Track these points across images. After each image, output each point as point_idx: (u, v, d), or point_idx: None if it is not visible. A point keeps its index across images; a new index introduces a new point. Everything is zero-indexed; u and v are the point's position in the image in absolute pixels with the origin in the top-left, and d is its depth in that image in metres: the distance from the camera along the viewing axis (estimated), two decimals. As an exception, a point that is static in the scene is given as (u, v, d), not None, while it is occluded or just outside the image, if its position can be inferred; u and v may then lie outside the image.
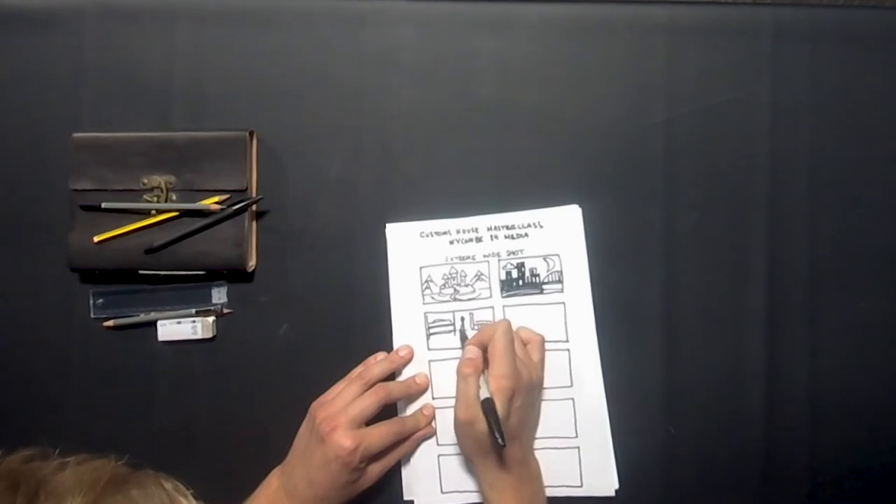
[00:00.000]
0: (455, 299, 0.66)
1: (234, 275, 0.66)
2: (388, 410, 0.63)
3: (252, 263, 0.66)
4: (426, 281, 0.66)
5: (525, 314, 0.65)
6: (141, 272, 0.65)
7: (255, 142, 0.66)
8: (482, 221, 0.66)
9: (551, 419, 0.64)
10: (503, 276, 0.66)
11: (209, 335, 0.66)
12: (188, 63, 0.67)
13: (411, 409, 0.65)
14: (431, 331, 0.66)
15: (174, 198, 0.65)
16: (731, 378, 0.65)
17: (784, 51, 0.66)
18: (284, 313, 0.67)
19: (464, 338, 0.64)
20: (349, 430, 0.58)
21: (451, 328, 0.65)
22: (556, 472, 0.63)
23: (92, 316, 0.67)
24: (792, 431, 0.65)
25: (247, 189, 0.65)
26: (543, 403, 0.64)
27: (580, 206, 0.65)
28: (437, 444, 0.65)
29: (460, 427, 0.59)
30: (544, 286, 0.65)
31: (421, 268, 0.66)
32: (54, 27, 0.67)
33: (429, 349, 0.65)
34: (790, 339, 0.65)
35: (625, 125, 0.67)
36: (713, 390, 0.65)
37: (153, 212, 0.64)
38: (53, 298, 0.67)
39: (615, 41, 0.67)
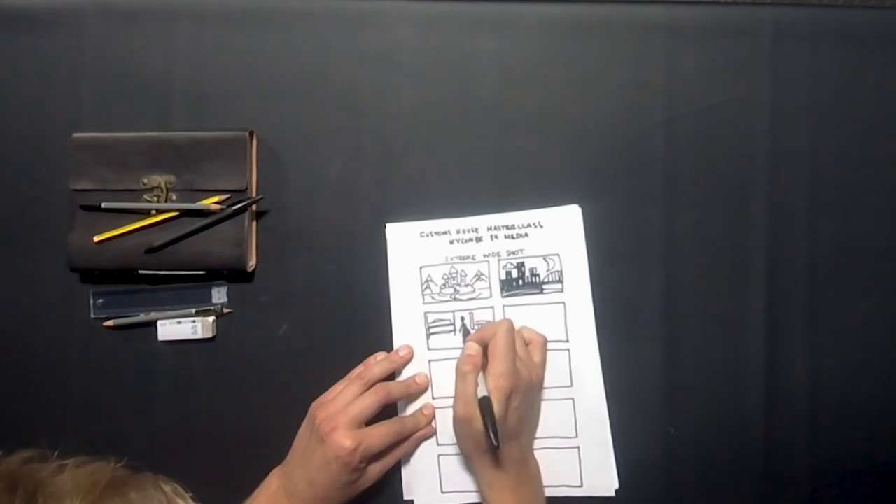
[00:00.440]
0: (455, 299, 0.66)
1: (234, 275, 0.66)
2: (388, 410, 0.63)
3: (252, 263, 0.66)
4: (426, 281, 0.66)
5: (525, 314, 0.65)
6: (141, 272, 0.65)
7: (255, 142, 0.66)
8: (482, 221, 0.66)
9: (551, 419, 0.64)
10: (503, 276, 0.66)
11: (209, 335, 0.66)
12: (188, 63, 0.67)
13: (411, 409, 0.65)
14: (431, 331, 0.66)
15: (174, 198, 0.65)
16: (731, 378, 0.65)
17: (784, 51, 0.66)
18: (284, 313, 0.67)
19: (466, 335, 0.64)
20: (349, 430, 0.58)
21: (451, 328, 0.65)
22: (556, 472, 0.63)
23: (92, 316, 0.67)
24: (792, 431, 0.65)
25: (247, 189, 0.65)
26: (543, 403, 0.64)
27: (580, 206, 0.66)
28: (437, 444, 0.65)
29: (458, 424, 0.59)
30: (544, 286, 0.65)
31: (421, 268, 0.66)
32: (54, 27, 0.67)
33: (429, 349, 0.65)
34: (790, 339, 0.65)
35: (625, 125, 0.67)
36: (713, 390, 0.65)
37: (153, 212, 0.64)
38: (53, 298, 0.67)
39: (615, 41, 0.67)
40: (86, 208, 0.64)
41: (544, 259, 0.65)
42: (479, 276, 0.66)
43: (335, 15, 0.68)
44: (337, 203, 0.67)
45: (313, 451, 0.59)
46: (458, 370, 0.59)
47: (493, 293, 0.65)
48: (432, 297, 0.66)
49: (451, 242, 0.66)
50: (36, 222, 0.67)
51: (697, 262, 0.66)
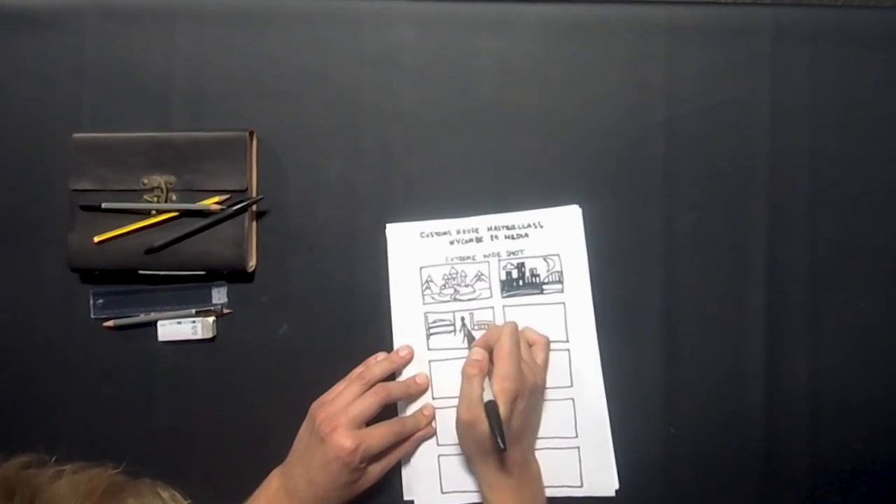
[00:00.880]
0: (455, 299, 0.66)
1: (234, 275, 0.66)
2: (388, 410, 0.63)
3: (252, 263, 0.66)
4: (426, 281, 0.66)
5: (525, 314, 0.65)
6: (141, 272, 0.65)
7: (255, 142, 0.66)
8: (482, 221, 0.66)
9: (551, 419, 0.64)
10: (503, 277, 0.66)
11: (209, 335, 0.66)
12: (188, 63, 0.67)
13: (411, 409, 0.65)
14: (431, 331, 0.66)
15: (174, 198, 0.65)
16: (731, 378, 0.65)
17: (784, 51, 0.66)
18: (284, 313, 0.67)
19: (469, 338, 0.64)
20: (349, 431, 0.58)
21: (451, 328, 0.65)
22: (557, 472, 0.63)
23: (92, 316, 0.67)
24: (792, 431, 0.65)
25: (247, 189, 0.65)
26: (544, 403, 0.64)
27: (580, 206, 0.66)
28: (438, 445, 0.65)
29: (462, 427, 0.59)
30: (544, 286, 0.65)
31: (421, 268, 0.66)
32: (54, 27, 0.67)
33: (429, 349, 0.65)
34: (790, 339, 0.65)
35: (625, 125, 0.67)
36: (713, 390, 0.65)
37: (153, 212, 0.64)
38: (53, 298, 0.67)
39: (615, 41, 0.67)
40: (86, 208, 0.64)
41: (544, 259, 0.65)
42: (479, 277, 0.66)
43: (335, 15, 0.68)
44: (337, 203, 0.67)
45: (313, 451, 0.59)
46: (463, 373, 0.59)
47: (493, 293, 0.65)
48: (432, 298, 0.66)
49: (452, 243, 0.66)
50: (36, 222, 0.67)
51: (697, 262, 0.66)
